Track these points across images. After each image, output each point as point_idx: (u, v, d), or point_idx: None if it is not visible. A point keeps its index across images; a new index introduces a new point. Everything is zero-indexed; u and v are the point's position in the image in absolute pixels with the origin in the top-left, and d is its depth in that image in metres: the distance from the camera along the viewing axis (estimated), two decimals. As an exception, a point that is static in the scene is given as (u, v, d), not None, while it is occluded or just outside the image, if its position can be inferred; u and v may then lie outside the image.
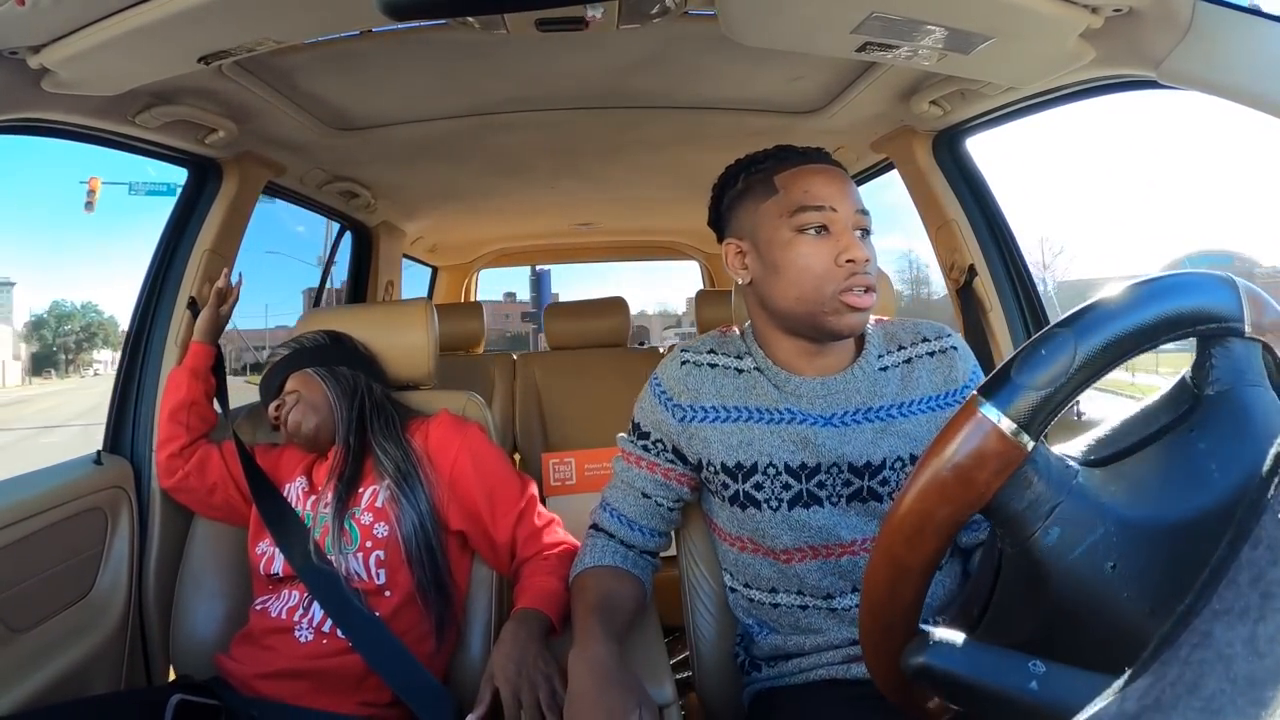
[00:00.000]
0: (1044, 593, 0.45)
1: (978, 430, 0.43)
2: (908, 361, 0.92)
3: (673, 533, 1.05)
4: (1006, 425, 0.43)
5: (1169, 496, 0.45)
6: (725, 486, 0.92)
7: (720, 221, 0.95)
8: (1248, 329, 0.44)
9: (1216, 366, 0.46)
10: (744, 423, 0.91)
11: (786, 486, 0.89)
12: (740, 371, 0.94)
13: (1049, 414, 0.43)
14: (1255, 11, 0.79)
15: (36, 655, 1.08)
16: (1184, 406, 0.47)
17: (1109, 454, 0.47)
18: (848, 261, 0.83)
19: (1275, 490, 0.27)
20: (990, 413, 0.43)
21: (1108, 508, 0.45)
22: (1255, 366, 0.46)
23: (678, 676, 0.94)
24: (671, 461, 0.96)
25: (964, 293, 1.54)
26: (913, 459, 0.88)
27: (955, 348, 0.93)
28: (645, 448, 0.97)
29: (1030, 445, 0.43)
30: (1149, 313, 0.43)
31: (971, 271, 1.52)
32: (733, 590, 0.99)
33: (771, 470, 0.89)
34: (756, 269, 0.90)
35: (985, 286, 1.49)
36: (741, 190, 0.91)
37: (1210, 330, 0.45)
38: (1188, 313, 0.44)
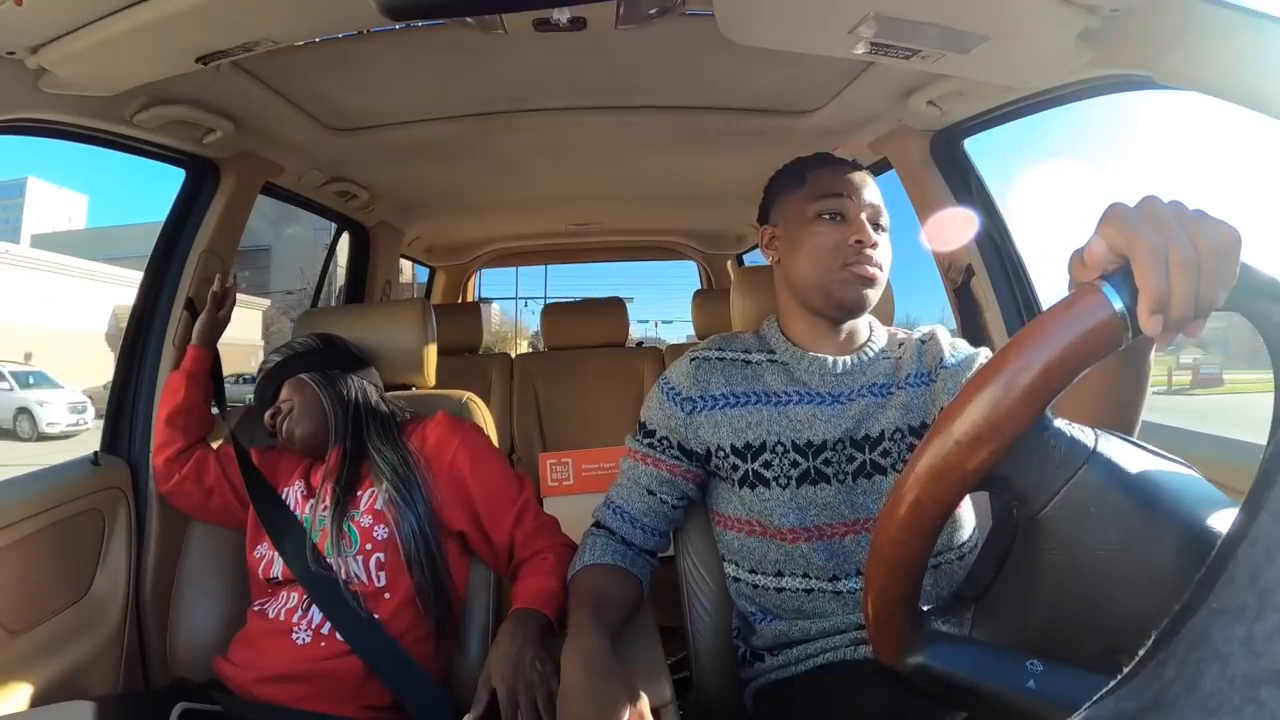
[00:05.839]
0: (1050, 567, 0.45)
1: (1096, 305, 0.43)
2: (903, 353, 1.00)
3: (671, 533, 1.05)
4: (1120, 307, 0.43)
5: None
6: (735, 469, 0.95)
7: (764, 211, 1.06)
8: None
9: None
10: (752, 406, 0.97)
11: (794, 464, 0.93)
12: (749, 363, 1.00)
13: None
14: (1253, 12, 0.79)
15: (33, 657, 1.08)
16: None
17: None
18: (856, 241, 0.93)
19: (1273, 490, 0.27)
20: (1110, 294, 0.43)
21: (1126, 476, 0.45)
22: None
23: (675, 677, 0.94)
24: (677, 458, 0.99)
25: (961, 293, 1.55)
26: (911, 430, 0.94)
27: (938, 335, 1.01)
28: (651, 445, 1.00)
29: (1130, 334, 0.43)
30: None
31: (969, 272, 1.52)
32: (736, 580, 1.00)
33: (780, 449, 0.94)
34: (784, 249, 1.00)
35: (982, 287, 1.49)
36: (781, 186, 1.03)
37: None
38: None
